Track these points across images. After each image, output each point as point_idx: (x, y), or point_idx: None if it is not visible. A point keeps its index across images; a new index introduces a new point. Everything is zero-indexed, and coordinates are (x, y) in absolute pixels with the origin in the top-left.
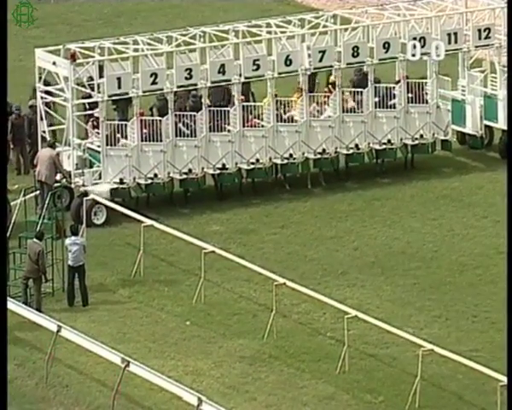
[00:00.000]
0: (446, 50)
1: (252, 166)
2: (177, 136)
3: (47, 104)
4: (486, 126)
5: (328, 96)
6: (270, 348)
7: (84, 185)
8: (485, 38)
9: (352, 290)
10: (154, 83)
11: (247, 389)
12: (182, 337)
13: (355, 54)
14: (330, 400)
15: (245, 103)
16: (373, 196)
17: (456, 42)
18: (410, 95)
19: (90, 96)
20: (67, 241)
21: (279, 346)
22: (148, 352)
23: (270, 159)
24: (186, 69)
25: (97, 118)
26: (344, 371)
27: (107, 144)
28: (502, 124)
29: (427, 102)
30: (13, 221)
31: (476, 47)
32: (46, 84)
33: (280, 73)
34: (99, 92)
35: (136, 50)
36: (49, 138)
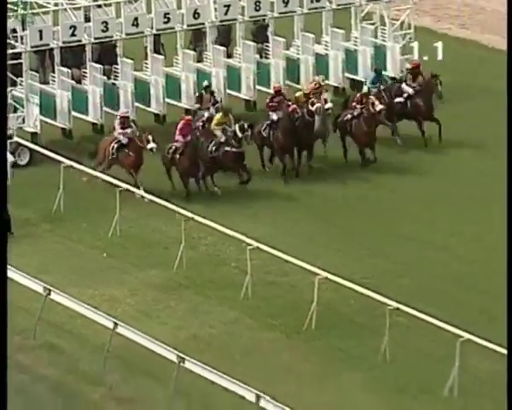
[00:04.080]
0: (341, 4)
1: None
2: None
3: None
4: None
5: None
6: (180, 277)
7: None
8: None
9: (255, 224)
10: (73, 35)
11: (159, 314)
12: (99, 269)
13: (257, 8)
14: (235, 323)
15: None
16: None
17: None
18: None
19: (13, 48)
20: None
21: (188, 276)
22: (68, 282)
23: None
24: (102, 22)
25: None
26: (247, 298)
27: None
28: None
29: None
30: None
31: (367, 1)
32: None
33: (189, 26)
34: (22, 44)
35: (56, 5)
36: None
